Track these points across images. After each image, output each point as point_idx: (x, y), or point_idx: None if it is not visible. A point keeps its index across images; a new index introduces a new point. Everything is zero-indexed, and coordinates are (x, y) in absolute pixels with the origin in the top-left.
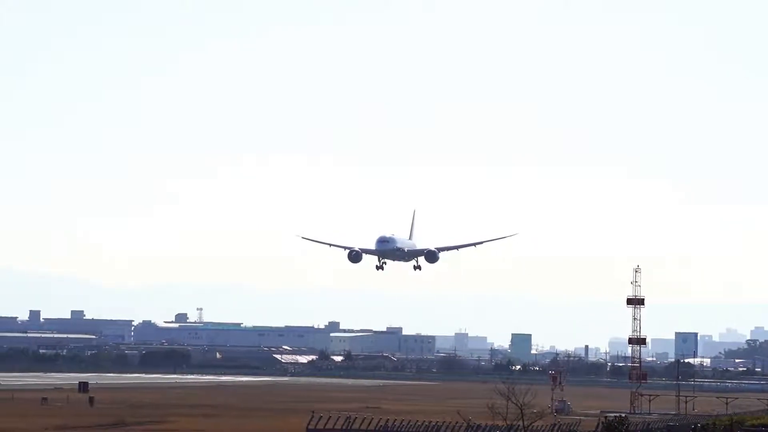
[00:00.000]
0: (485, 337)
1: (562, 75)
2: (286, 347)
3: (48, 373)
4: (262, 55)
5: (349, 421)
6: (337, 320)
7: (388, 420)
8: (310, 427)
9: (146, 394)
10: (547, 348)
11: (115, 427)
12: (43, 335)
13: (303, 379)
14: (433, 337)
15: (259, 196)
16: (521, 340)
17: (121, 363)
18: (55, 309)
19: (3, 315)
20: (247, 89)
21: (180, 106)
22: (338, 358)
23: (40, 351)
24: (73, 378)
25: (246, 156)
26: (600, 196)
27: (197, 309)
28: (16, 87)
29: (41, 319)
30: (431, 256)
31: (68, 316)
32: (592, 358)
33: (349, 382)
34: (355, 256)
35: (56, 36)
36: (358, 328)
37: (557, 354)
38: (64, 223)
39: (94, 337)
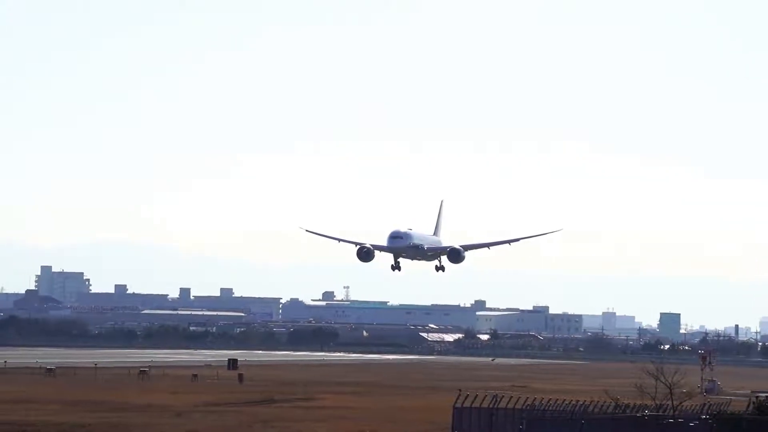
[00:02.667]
0: (633, 317)
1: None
2: (432, 326)
3: (198, 350)
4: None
5: (496, 400)
6: (483, 299)
7: (535, 399)
8: (457, 405)
9: (294, 371)
10: (696, 327)
11: (264, 403)
12: (193, 313)
13: (449, 358)
14: (580, 317)
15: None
16: (670, 320)
17: (270, 340)
18: (205, 287)
19: (154, 293)
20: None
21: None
22: (484, 337)
23: (191, 328)
24: (222, 355)
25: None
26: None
27: (344, 287)
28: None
29: (191, 297)
30: (455, 255)
31: (218, 293)
32: (742, 337)
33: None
34: (366, 254)
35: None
36: (504, 307)
37: (707, 333)
38: (209, 203)
39: (242, 314)
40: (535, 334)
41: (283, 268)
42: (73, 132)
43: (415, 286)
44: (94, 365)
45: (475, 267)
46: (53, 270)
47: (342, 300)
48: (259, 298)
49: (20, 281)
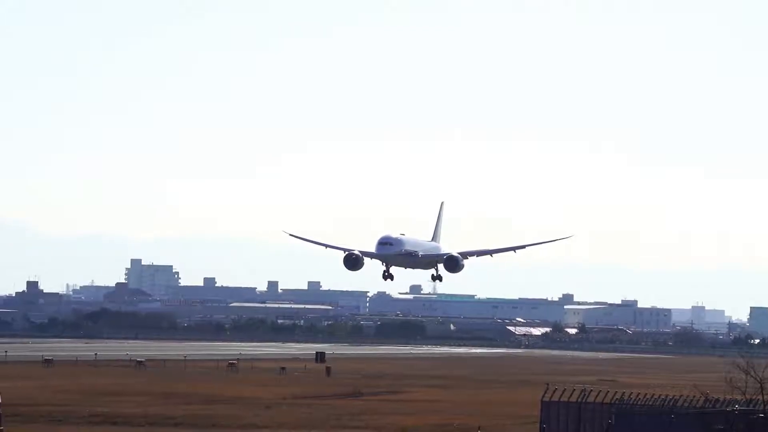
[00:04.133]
0: (723, 311)
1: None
2: (519, 319)
3: (286, 343)
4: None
5: (585, 394)
6: (570, 292)
7: (623, 393)
8: (544, 399)
9: (381, 364)
10: None
11: (352, 397)
12: (280, 306)
13: (537, 351)
14: (669, 311)
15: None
16: (761, 314)
17: (357, 334)
18: (293, 280)
19: (243, 286)
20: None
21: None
22: (572, 331)
23: (278, 321)
24: (309, 348)
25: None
26: None
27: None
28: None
29: (279, 290)
30: (451, 264)
31: (305, 287)
32: None
33: (584, 354)
34: (354, 262)
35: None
36: (593, 301)
37: None
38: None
39: (330, 307)
40: (624, 328)
41: (371, 262)
42: (159, 128)
43: (503, 279)
44: (183, 358)
45: (564, 260)
46: (143, 263)
47: (429, 293)
48: (346, 291)
49: (111, 274)
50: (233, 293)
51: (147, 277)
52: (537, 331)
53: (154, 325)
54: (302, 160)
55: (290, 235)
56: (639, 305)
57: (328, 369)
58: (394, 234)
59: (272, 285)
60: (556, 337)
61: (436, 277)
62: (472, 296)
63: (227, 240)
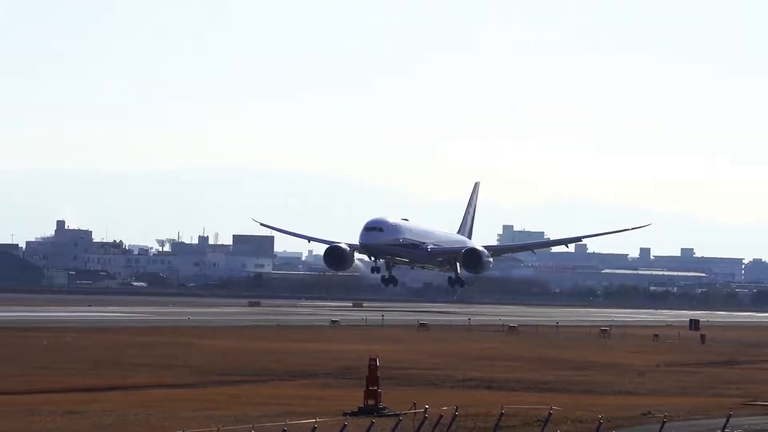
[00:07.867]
0: None
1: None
2: None
3: (658, 310)
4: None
5: None
6: None
7: None
8: None
9: (758, 333)
10: None
11: (726, 365)
12: (653, 273)
13: None
14: None
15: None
16: None
17: (732, 301)
18: (665, 247)
19: (614, 252)
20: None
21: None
22: None
23: (651, 288)
24: (683, 315)
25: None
26: None
27: None
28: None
29: (651, 257)
30: (472, 260)
31: (678, 253)
32: None
33: None
34: (339, 258)
35: None
36: None
37: None
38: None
39: (703, 275)
40: None
41: (747, 228)
42: (513, 88)
43: None
44: (555, 324)
45: None
46: (515, 229)
47: None
48: (721, 258)
49: (483, 239)
50: (605, 259)
51: (520, 243)
52: None
53: (525, 290)
54: None
55: (261, 224)
56: None
57: (702, 336)
58: (391, 219)
59: (644, 252)
60: None
61: (455, 281)
62: None
63: (596, 206)
